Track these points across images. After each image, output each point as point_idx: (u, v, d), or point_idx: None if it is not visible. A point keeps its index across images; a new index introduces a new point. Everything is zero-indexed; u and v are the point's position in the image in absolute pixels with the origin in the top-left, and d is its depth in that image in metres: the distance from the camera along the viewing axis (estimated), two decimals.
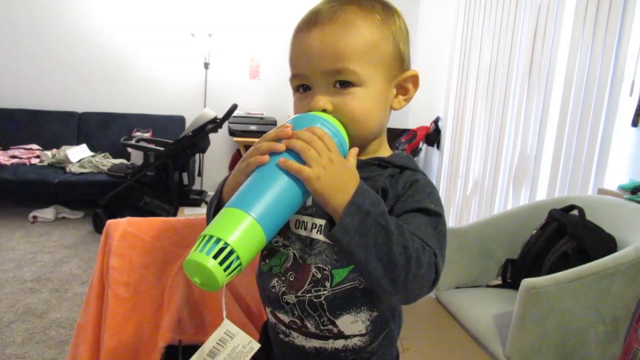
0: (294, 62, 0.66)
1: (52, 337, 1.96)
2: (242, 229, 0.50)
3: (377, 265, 0.53)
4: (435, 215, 0.61)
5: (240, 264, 0.50)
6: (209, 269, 0.48)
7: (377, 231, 0.53)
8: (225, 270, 0.49)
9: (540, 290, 1.32)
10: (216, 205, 0.65)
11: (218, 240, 0.49)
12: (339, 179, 0.55)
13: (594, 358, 1.40)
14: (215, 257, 0.48)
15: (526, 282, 1.33)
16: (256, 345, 0.59)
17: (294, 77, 0.66)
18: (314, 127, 0.57)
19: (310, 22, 0.63)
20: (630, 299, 1.41)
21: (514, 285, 1.67)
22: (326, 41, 0.61)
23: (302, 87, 0.66)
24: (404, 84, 0.68)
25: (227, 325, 0.58)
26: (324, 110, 0.62)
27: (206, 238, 0.50)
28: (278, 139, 0.57)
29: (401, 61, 0.67)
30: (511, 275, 1.79)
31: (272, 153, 0.56)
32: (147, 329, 1.09)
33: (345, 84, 0.62)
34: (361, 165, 0.66)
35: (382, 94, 0.65)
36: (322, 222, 0.65)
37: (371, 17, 0.63)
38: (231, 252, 0.49)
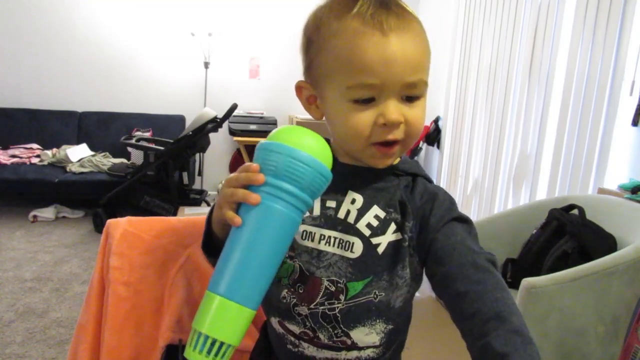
0: (362, 70, 0.57)
1: (52, 336, 1.96)
2: (218, 314, 0.53)
3: None
4: (468, 222, 0.64)
5: (230, 346, 0.53)
6: None
7: None
8: (217, 355, 0.52)
9: (540, 290, 1.32)
10: (206, 227, 0.65)
11: (206, 336, 0.52)
12: None
13: (594, 358, 1.40)
14: (208, 351, 0.52)
15: (526, 281, 1.33)
16: None
17: (360, 87, 0.58)
18: None
19: (383, 27, 0.57)
20: (630, 299, 1.41)
21: (514, 285, 1.67)
22: (407, 50, 0.58)
23: (362, 99, 0.59)
24: None
25: None
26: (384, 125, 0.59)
27: (196, 333, 0.53)
28: (249, 186, 0.55)
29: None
30: (511, 274, 1.79)
31: (243, 208, 0.55)
32: (147, 329, 1.09)
33: (414, 97, 0.61)
34: (375, 176, 0.66)
35: None
36: (331, 233, 0.64)
37: (420, 25, 0.62)
38: (219, 342, 0.52)
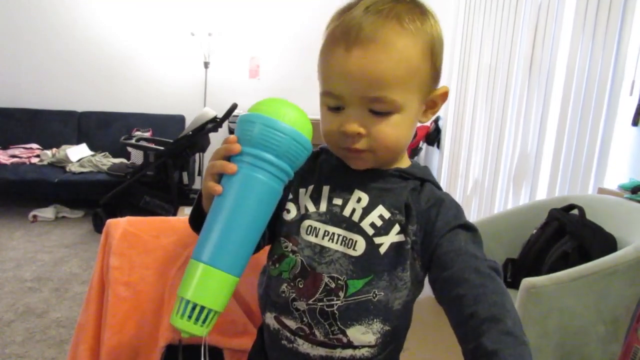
0: (329, 80, 0.61)
1: (52, 336, 1.96)
2: (202, 281, 0.54)
3: None
4: (474, 229, 0.63)
5: (213, 311, 0.54)
6: (186, 331, 0.54)
7: None
8: (198, 320, 0.54)
9: (540, 290, 1.32)
10: (196, 202, 0.67)
11: (188, 301, 0.54)
12: None
13: (594, 358, 1.40)
14: (189, 316, 0.53)
15: (526, 281, 1.33)
16: None
17: (327, 95, 0.62)
18: None
19: (350, 40, 0.58)
20: (630, 299, 1.41)
21: (514, 285, 1.67)
22: (368, 66, 0.57)
23: (330, 106, 0.63)
24: (434, 98, 0.66)
25: None
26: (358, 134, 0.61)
27: (180, 300, 0.54)
28: (227, 157, 0.58)
29: (437, 77, 0.65)
30: (511, 274, 1.79)
31: (224, 179, 0.58)
32: (147, 329, 1.09)
33: (382, 112, 0.60)
34: (383, 177, 0.66)
35: (416, 115, 0.64)
36: (335, 230, 0.64)
37: (413, 36, 0.59)
38: (202, 308, 0.54)
